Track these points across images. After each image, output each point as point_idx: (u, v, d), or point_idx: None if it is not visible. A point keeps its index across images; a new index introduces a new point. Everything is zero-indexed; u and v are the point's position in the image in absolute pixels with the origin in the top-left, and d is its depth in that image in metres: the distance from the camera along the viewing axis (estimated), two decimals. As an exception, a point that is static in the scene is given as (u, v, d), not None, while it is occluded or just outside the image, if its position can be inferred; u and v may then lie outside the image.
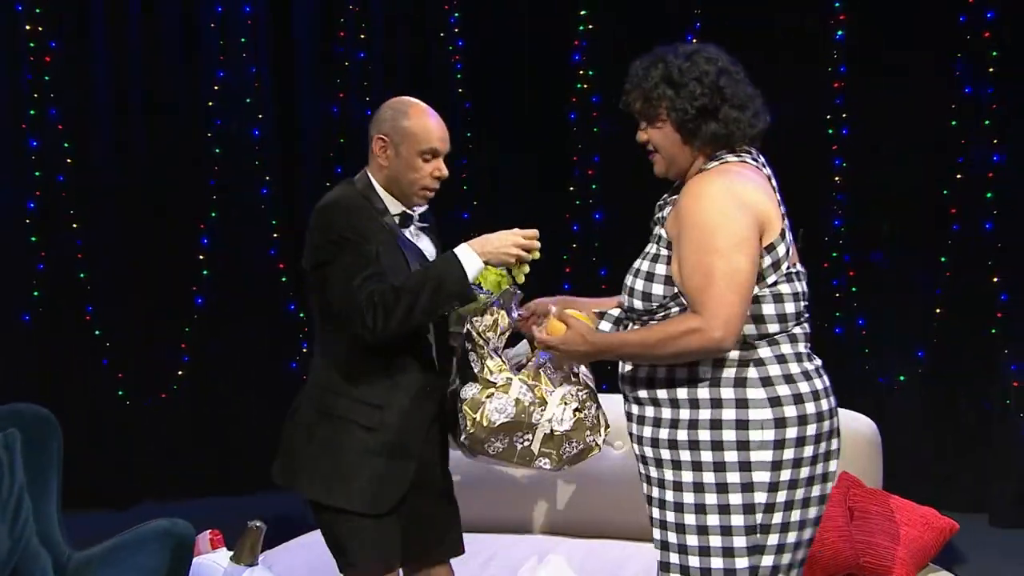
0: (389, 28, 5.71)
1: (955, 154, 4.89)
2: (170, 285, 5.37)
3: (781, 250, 2.19)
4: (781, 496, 2.14)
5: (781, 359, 2.17)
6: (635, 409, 2.27)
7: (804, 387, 2.17)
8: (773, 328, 2.17)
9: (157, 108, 5.36)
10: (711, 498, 2.14)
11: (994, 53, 4.75)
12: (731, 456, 2.13)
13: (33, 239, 5.06)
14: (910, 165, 5.00)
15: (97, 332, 5.20)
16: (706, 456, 2.14)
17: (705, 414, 2.15)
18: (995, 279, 4.77)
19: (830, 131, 5.10)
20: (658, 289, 2.21)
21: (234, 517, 4.76)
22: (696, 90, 2.19)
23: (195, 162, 5.42)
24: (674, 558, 2.18)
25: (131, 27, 5.28)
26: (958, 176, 4.87)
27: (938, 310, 4.90)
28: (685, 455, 2.16)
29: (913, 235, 4.98)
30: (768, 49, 5.25)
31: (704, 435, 2.15)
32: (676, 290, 2.18)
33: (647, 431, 2.23)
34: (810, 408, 2.17)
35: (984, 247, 4.79)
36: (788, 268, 2.20)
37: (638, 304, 2.24)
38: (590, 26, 5.47)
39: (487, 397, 2.43)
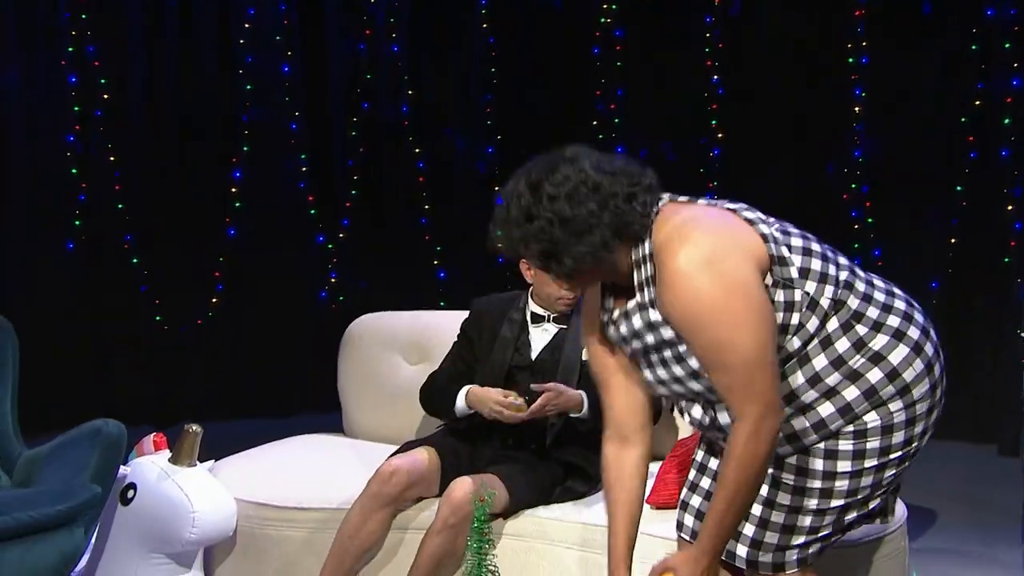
0: (415, -35, 5.80)
1: (974, 79, 4.79)
2: (204, 216, 5.59)
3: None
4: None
5: (827, 343, 1.97)
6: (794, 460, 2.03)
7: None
8: (795, 343, 1.96)
9: (190, 46, 5.53)
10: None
11: (1015, -28, 4.64)
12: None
13: (74, 171, 5.31)
14: (928, 92, 4.92)
15: (135, 260, 5.45)
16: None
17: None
18: (1009, 207, 4.68)
19: (850, 60, 5.04)
20: None
21: (265, 437, 5.02)
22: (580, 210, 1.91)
23: (227, 98, 5.60)
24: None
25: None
26: (976, 103, 4.78)
27: (952, 240, 4.84)
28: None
29: (930, 164, 4.91)
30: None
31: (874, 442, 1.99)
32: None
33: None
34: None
35: (999, 175, 4.70)
36: (768, 281, 1.95)
37: None
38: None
39: None
